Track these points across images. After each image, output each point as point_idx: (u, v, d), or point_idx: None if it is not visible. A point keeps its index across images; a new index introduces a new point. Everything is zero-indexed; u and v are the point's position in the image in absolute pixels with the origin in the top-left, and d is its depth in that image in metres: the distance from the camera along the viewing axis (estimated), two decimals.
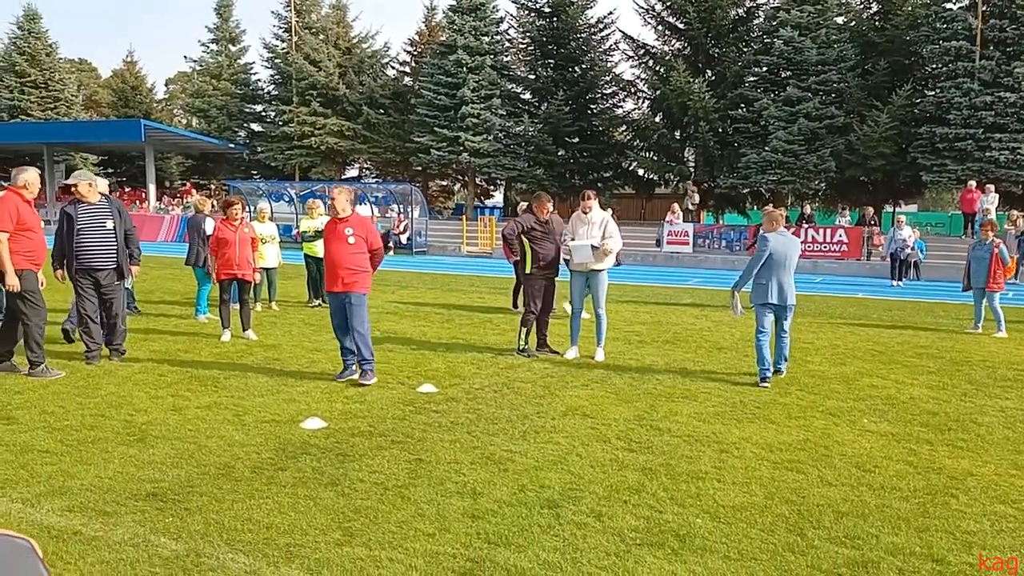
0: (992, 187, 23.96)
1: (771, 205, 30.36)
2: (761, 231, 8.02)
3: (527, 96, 37.96)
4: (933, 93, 28.50)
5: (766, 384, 7.54)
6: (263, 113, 44.37)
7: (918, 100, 28.94)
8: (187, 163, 48.65)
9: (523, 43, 38.00)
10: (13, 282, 7.05)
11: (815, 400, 7.03)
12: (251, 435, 5.59)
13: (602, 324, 8.88)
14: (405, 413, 6.29)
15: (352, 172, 47.31)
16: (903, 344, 10.27)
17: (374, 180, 43.69)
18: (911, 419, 6.42)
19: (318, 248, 12.76)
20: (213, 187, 45.81)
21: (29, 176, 7.31)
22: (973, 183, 24.54)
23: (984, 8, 26.96)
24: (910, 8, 31.14)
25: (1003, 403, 7.05)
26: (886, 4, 32.22)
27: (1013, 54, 26.42)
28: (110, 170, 47.21)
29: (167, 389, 6.90)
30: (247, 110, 44.14)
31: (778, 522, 4.22)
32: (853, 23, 32.09)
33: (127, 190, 44.53)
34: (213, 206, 11.64)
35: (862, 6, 33.57)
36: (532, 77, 37.15)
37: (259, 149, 41.86)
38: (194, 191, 40.83)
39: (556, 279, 9.17)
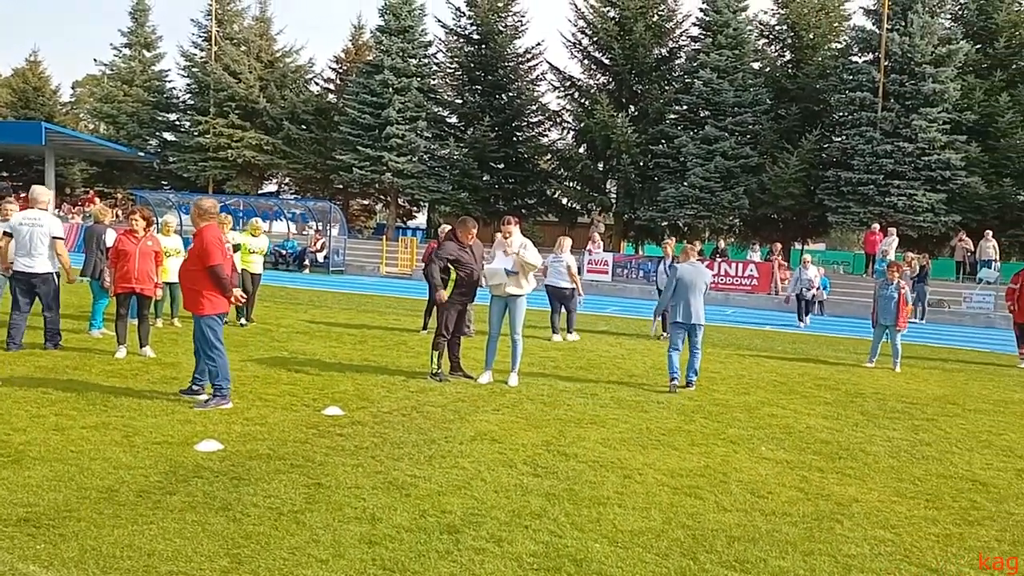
0: (894, 230, 25.25)
1: (686, 239, 31.20)
2: (675, 262, 8.97)
3: (453, 120, 38.12)
4: (839, 139, 29.95)
5: (674, 388, 8.87)
6: (177, 122, 43.12)
7: (826, 145, 30.34)
8: (91, 170, 46.66)
9: (451, 68, 38.23)
10: None
11: (718, 428, 7.20)
12: (140, 457, 5.35)
13: (517, 349, 8.90)
14: (308, 436, 6.15)
15: (270, 187, 46.43)
16: (803, 376, 10.64)
17: (293, 196, 42.96)
18: (806, 447, 6.64)
19: (254, 262, 12.93)
20: (119, 196, 44.08)
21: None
22: (876, 226, 25.78)
23: (886, 63, 28.53)
24: (820, 59, 32.77)
25: (890, 433, 7.36)
26: (799, 53, 33.77)
27: (911, 107, 27.99)
28: (4, 173, 45.01)
29: (50, 408, 6.54)
30: (160, 118, 42.75)
31: (673, 546, 4.28)
32: (768, 69, 33.50)
33: (23, 196, 42.51)
34: (116, 216, 11.20)
35: (777, 54, 35.07)
36: (459, 102, 37.35)
37: (171, 159, 40.57)
38: (97, 199, 39.16)
39: (471, 304, 9.18)
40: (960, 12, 32.05)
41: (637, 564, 4.02)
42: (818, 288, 19.53)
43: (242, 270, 12.60)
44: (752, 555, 4.21)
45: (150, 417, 6.42)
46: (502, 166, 36.61)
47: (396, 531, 4.30)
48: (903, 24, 28.82)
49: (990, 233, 25.54)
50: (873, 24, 30.69)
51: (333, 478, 5.14)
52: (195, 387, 7.26)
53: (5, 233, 9.24)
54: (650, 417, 7.51)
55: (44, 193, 9.54)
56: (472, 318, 12.70)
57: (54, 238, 9.08)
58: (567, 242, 13.62)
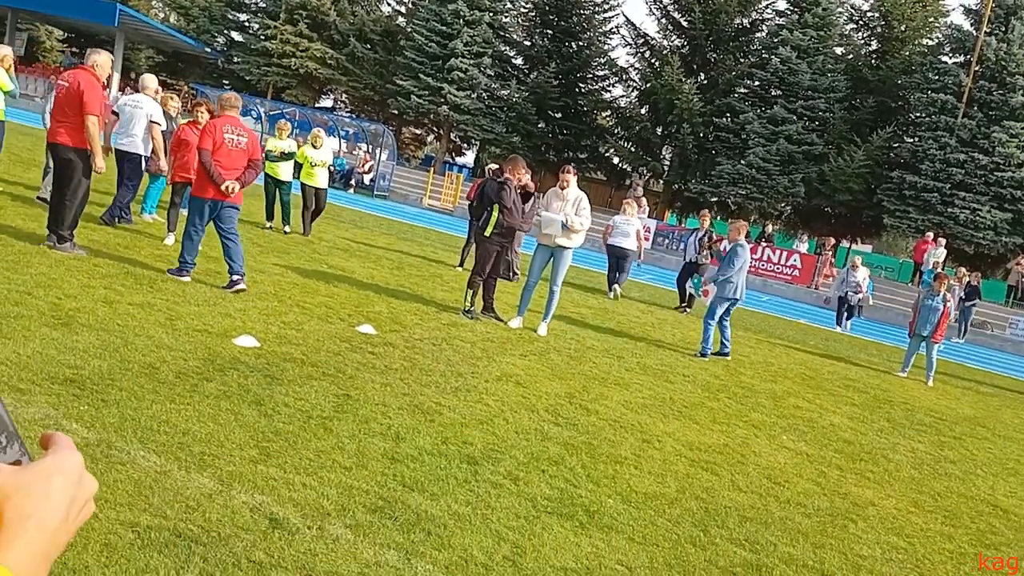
0: (943, 241, 24.71)
1: (731, 219, 30.91)
2: (735, 241, 9.71)
3: (518, 61, 37.70)
4: (911, 140, 29.19)
5: (704, 357, 9.33)
6: (246, 23, 43.12)
7: (896, 144, 29.59)
8: (158, 59, 47.05)
9: (525, 7, 37.66)
10: (102, 164, 7.65)
11: (741, 410, 7.24)
12: (180, 341, 5.54)
13: (554, 300, 8.97)
14: (341, 349, 6.29)
15: (327, 102, 46.47)
16: (833, 374, 10.60)
17: (348, 114, 42.98)
18: (827, 444, 6.67)
19: (281, 170, 12.64)
20: (182, 88, 44.47)
21: (100, 58, 7.79)
22: (931, 235, 25.26)
23: (977, 68, 27.61)
24: (908, 53, 31.75)
25: (915, 444, 7.36)
26: (886, 44, 32.75)
27: (995, 118, 27.15)
28: (74, 49, 45.45)
29: (100, 280, 6.77)
30: (230, 16, 42.81)
31: (685, 515, 4.37)
32: (851, 56, 32.59)
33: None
34: (178, 108, 11.35)
35: (863, 42, 34.07)
36: (527, 43, 36.90)
37: (235, 59, 40.72)
38: (161, 89, 39.49)
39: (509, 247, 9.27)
40: None
41: (648, 526, 4.11)
42: (865, 292, 18.16)
43: (302, 184, 12.71)
44: (763, 538, 4.28)
45: (193, 305, 6.62)
46: (559, 115, 36.26)
47: (418, 452, 4.43)
48: (1003, 29, 27.80)
49: None
50: (971, 25, 29.64)
51: (362, 392, 5.28)
52: (233, 277, 7.53)
53: (114, 112, 9.82)
54: (674, 388, 7.56)
55: (152, 80, 10.23)
56: (518, 265, 12.80)
57: (151, 122, 9.53)
58: (633, 207, 14.79)
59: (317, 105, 43.38)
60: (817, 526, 4.63)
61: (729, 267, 9.55)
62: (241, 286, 7.42)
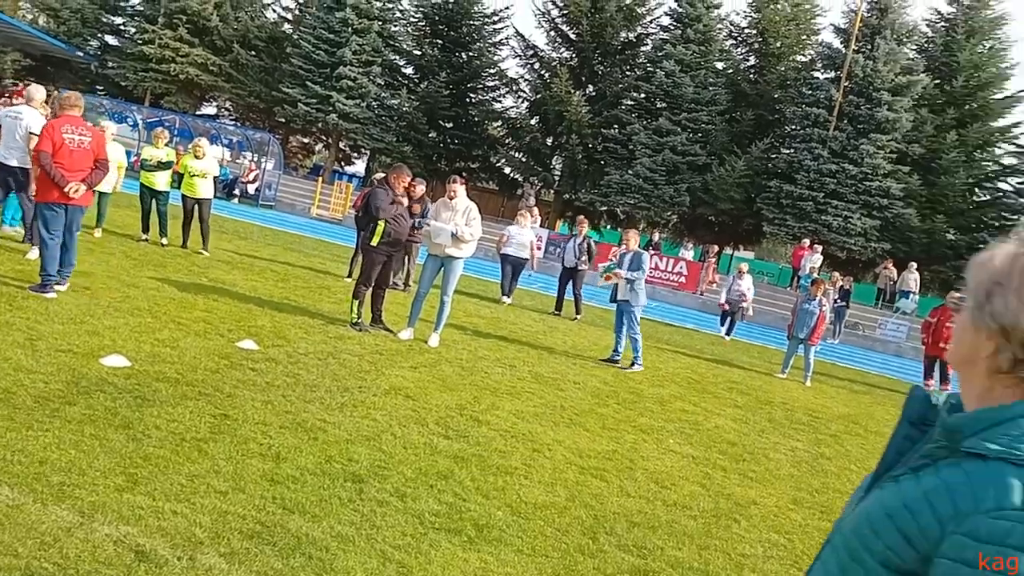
0: (819, 247, 26.07)
1: (622, 227, 31.48)
2: (632, 249, 10.12)
3: (409, 70, 37.52)
4: (788, 152, 30.65)
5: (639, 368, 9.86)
6: (122, 27, 41.23)
7: (773, 155, 31.00)
8: (25, 62, 44.30)
9: (415, 17, 37.54)
10: None
11: (630, 415, 7.37)
12: (42, 362, 5.18)
13: (445, 310, 8.91)
14: (219, 366, 6.04)
15: (209, 109, 44.91)
16: (717, 377, 10.96)
17: (232, 122, 41.67)
18: (712, 445, 6.86)
19: (157, 180, 12.14)
20: (52, 94, 41.99)
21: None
22: (807, 241, 26.55)
23: (846, 84, 29.27)
24: (783, 69, 33.40)
25: (794, 443, 7.68)
26: (763, 60, 34.30)
27: (863, 131, 28.84)
28: None
29: None
30: (104, 20, 40.81)
31: (574, 524, 4.39)
32: (731, 71, 33.94)
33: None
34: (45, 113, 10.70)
35: (742, 57, 35.54)
36: (417, 53, 36.75)
37: (110, 64, 38.85)
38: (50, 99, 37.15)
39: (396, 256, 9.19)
40: (926, 45, 33.03)
41: (537, 536, 4.10)
42: (749, 300, 17.84)
43: (183, 196, 12.21)
44: (650, 542, 4.34)
45: (57, 323, 6.21)
46: (451, 125, 36.27)
47: (300, 472, 4.28)
48: (869, 47, 29.55)
49: (914, 265, 26.60)
50: (840, 43, 31.39)
51: (241, 412, 5.07)
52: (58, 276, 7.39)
53: None
54: (565, 396, 7.63)
55: (39, 92, 9.62)
56: (410, 274, 12.72)
57: (30, 133, 8.94)
58: (527, 218, 15.18)
59: (199, 112, 41.86)
60: (702, 528, 4.74)
61: (641, 273, 9.88)
62: (51, 295, 7.06)
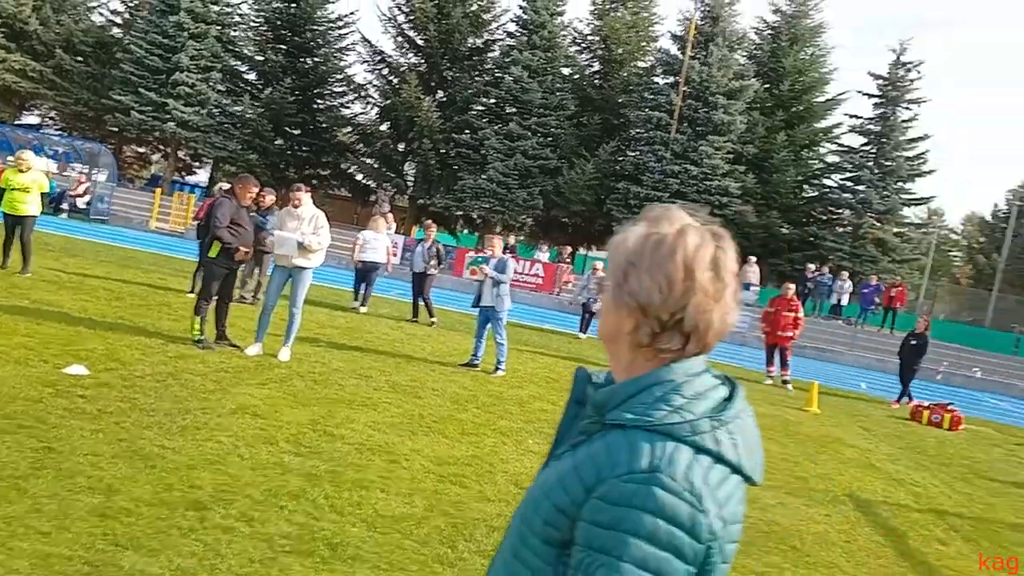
0: None
1: (479, 232, 31.66)
2: (497, 256, 9.97)
3: (251, 76, 36.20)
4: (634, 154, 31.83)
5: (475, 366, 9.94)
6: None
7: (620, 158, 32.11)
8: None
9: (256, 22, 36.28)
10: None
11: (489, 419, 7.36)
12: None
13: (295, 322, 8.61)
14: (43, 395, 5.55)
15: (32, 119, 41.68)
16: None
17: (57, 132, 38.83)
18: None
19: None
20: None
21: None
22: None
23: (685, 89, 30.72)
24: (625, 74, 34.69)
25: None
26: (606, 66, 35.47)
27: (701, 133, 30.37)
28: None
29: None
30: None
31: (433, 534, 4.31)
32: (576, 76, 34.88)
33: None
34: None
35: (586, 63, 36.59)
36: (260, 58, 35.52)
37: None
38: None
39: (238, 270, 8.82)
40: (755, 51, 35.17)
41: (395, 550, 4.00)
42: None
43: (4, 214, 11.25)
44: None
45: None
46: (298, 132, 35.29)
47: (135, 504, 3.98)
48: (704, 54, 31.16)
49: (754, 259, 28.23)
50: (677, 50, 32.88)
51: (67, 443, 4.67)
52: None
53: None
54: (423, 403, 7.53)
55: None
56: (260, 286, 12.26)
57: None
58: (382, 223, 15.12)
59: (19, 122, 38.74)
60: None
61: (506, 277, 9.87)
62: None
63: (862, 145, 33.91)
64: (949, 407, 13.21)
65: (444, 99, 34.27)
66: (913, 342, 14.73)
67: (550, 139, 31.93)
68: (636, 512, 1.12)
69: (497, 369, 9.96)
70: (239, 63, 35.78)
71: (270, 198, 12.87)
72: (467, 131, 32.24)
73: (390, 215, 25.52)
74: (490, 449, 6.27)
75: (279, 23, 34.85)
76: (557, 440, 1.37)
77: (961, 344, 28.82)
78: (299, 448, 5.42)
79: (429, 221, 15.71)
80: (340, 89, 36.39)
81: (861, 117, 33.95)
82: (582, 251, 36.13)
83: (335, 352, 9.47)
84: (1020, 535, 6.69)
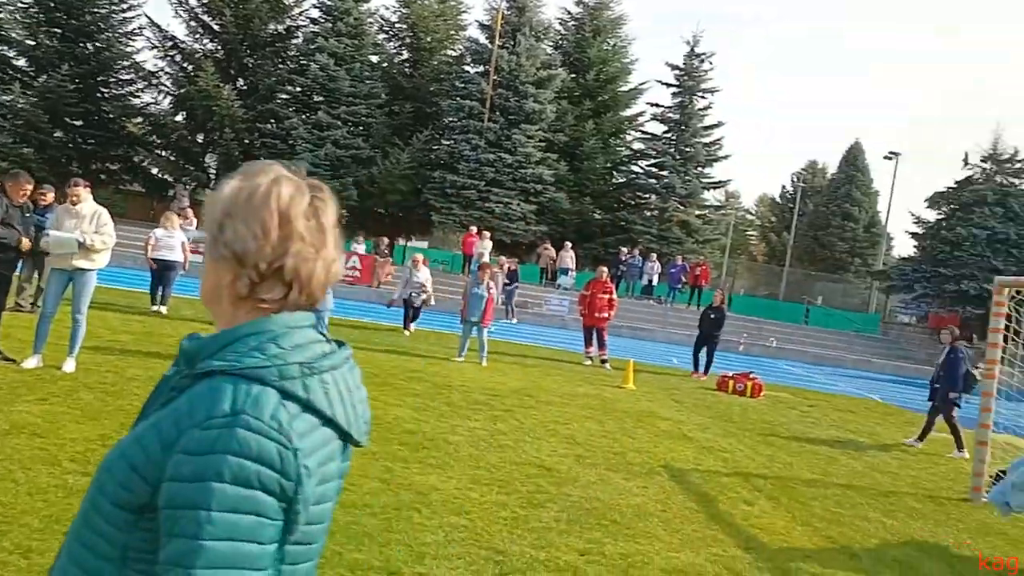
0: (488, 234, 27.62)
1: None
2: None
3: (21, 63, 32.88)
4: (448, 143, 31.94)
5: None
6: None
7: (435, 147, 32.15)
8: None
9: (24, 3, 32.95)
10: None
11: None
12: None
13: (79, 330, 7.84)
14: None
15: None
16: (397, 368, 11.00)
17: None
18: (392, 438, 6.81)
19: None
20: None
21: None
22: (474, 228, 27.92)
23: (495, 78, 31.15)
24: (436, 63, 34.73)
25: (472, 424, 7.91)
26: (416, 54, 35.34)
27: (514, 122, 30.96)
28: None
29: None
30: None
31: None
32: (386, 64, 34.48)
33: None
34: None
35: (395, 51, 36.26)
36: (31, 43, 32.33)
37: None
38: None
39: (12, 274, 7.95)
40: (560, 42, 36.25)
41: None
42: (430, 291, 16.76)
43: None
44: (328, 549, 4.12)
45: None
46: (80, 123, 32.49)
47: None
48: (512, 43, 31.73)
49: (569, 244, 29.21)
50: (486, 39, 33.26)
51: None
52: None
53: None
54: None
55: None
56: (39, 292, 11.14)
57: None
58: (175, 219, 14.18)
59: None
60: (383, 524, 4.63)
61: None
62: None
63: (664, 133, 35.88)
64: (751, 376, 14.24)
65: (245, 87, 32.81)
66: (712, 316, 15.68)
67: (362, 128, 31.38)
68: (218, 457, 1.07)
69: None
70: (6, 48, 32.40)
71: (50, 195, 11.74)
72: (272, 120, 31.09)
73: (190, 210, 24.16)
74: None
75: (52, 4, 31.88)
76: (146, 406, 1.28)
77: (759, 316, 31.24)
78: (86, 467, 4.92)
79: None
80: (128, 77, 33.84)
81: (662, 106, 35.95)
82: (401, 242, 35.86)
83: (130, 359, 8.75)
84: (815, 489, 7.27)
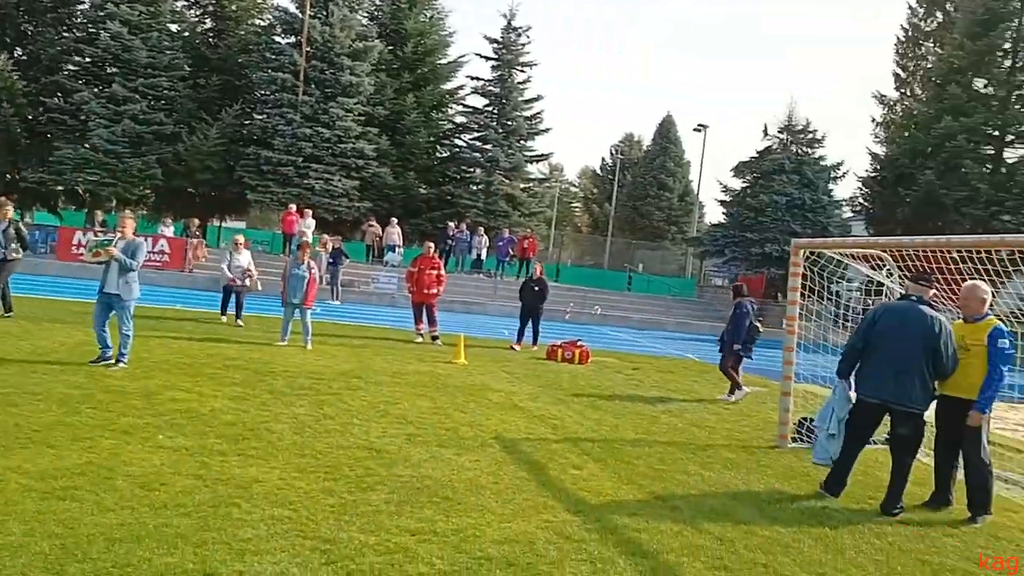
0: (310, 212, 26.80)
1: (89, 208, 28.63)
2: (129, 237, 9.09)
3: None
4: (261, 117, 30.59)
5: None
6: None
7: (247, 121, 30.73)
8: None
9: None
10: None
11: (108, 418, 6.55)
12: None
13: None
14: None
15: None
16: (212, 356, 10.45)
17: None
18: (209, 431, 6.45)
19: None
20: None
21: None
22: (294, 206, 26.98)
23: (308, 49, 30.08)
24: (243, 33, 33.05)
25: (296, 410, 7.63)
26: (221, 23, 33.48)
27: (330, 95, 30.06)
28: None
29: None
30: None
31: (35, 562, 3.68)
32: (187, 33, 32.41)
33: None
34: None
35: (197, 19, 34.15)
36: None
37: None
38: None
39: None
40: (376, 12, 35.48)
41: None
42: (254, 275, 15.48)
43: None
44: (136, 556, 3.84)
45: None
46: None
47: None
48: (325, 14, 30.73)
49: (395, 220, 28.89)
50: (296, 8, 31.99)
51: None
52: None
53: None
54: (21, 412, 6.48)
55: None
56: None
57: None
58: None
59: None
60: (198, 523, 4.37)
61: (136, 263, 9.04)
62: None
63: (485, 106, 36.10)
64: (578, 343, 14.69)
65: (25, 57, 29.92)
66: (535, 287, 15.90)
67: (163, 102, 29.43)
68: None
69: (119, 361, 8.97)
70: None
71: None
72: (59, 94, 28.52)
73: None
74: (109, 452, 5.56)
75: None
76: None
77: (585, 286, 32.35)
78: None
79: (3, 199, 13.40)
80: None
81: (482, 79, 36.10)
82: (215, 223, 34.15)
83: None
84: (639, 448, 7.59)
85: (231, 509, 4.63)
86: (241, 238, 16.24)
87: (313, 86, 30.05)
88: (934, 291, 6.66)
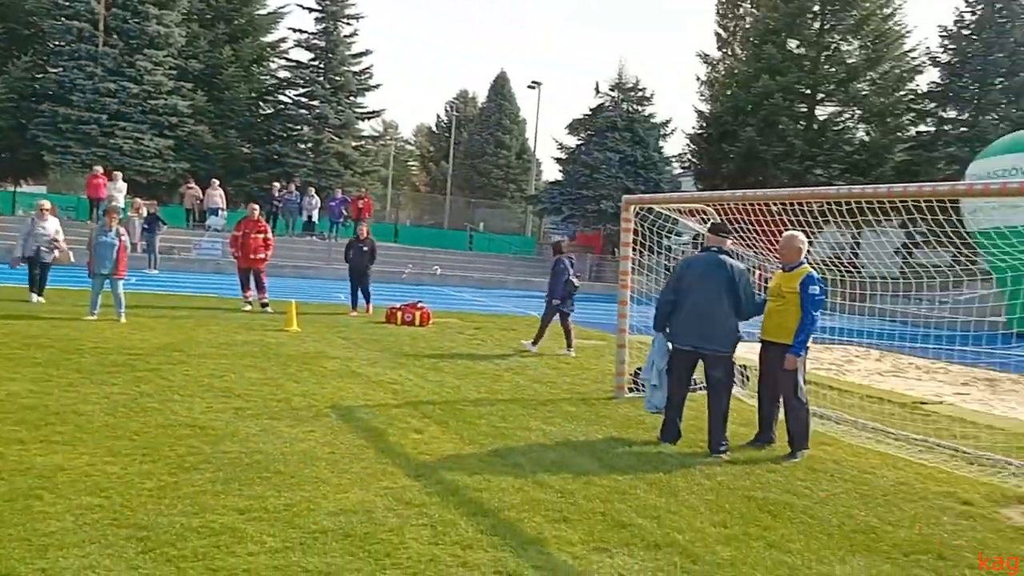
0: (120, 174, 24.98)
1: None
2: None
3: None
4: (56, 71, 28.19)
5: None
6: None
7: (39, 75, 28.27)
8: None
9: None
10: None
11: None
12: None
13: None
14: None
15: None
16: (12, 335, 9.57)
17: None
18: (5, 417, 5.89)
19: None
20: None
21: None
22: (100, 168, 25.04)
23: None
24: None
25: (109, 389, 7.12)
26: None
27: (136, 47, 28.07)
28: None
29: None
30: None
31: None
32: None
33: None
34: None
35: None
36: None
37: None
38: None
39: None
40: None
41: None
42: (62, 248, 13.90)
43: None
44: None
45: None
46: None
47: None
48: None
49: (217, 182, 27.45)
50: None
51: None
52: None
53: None
54: None
55: None
56: None
57: None
58: None
59: None
60: None
61: None
62: None
63: (311, 60, 34.92)
64: (419, 305, 14.58)
65: None
66: (364, 248, 15.36)
67: None
68: None
69: None
70: None
71: None
72: None
73: None
74: None
75: None
76: None
77: (425, 246, 32.19)
78: None
79: None
80: None
81: (306, 32, 34.80)
82: (9, 187, 31.32)
83: None
84: (482, 408, 7.64)
85: (31, 502, 4.25)
86: (47, 203, 14.55)
87: (115, 36, 27.96)
88: (731, 240, 7.18)
